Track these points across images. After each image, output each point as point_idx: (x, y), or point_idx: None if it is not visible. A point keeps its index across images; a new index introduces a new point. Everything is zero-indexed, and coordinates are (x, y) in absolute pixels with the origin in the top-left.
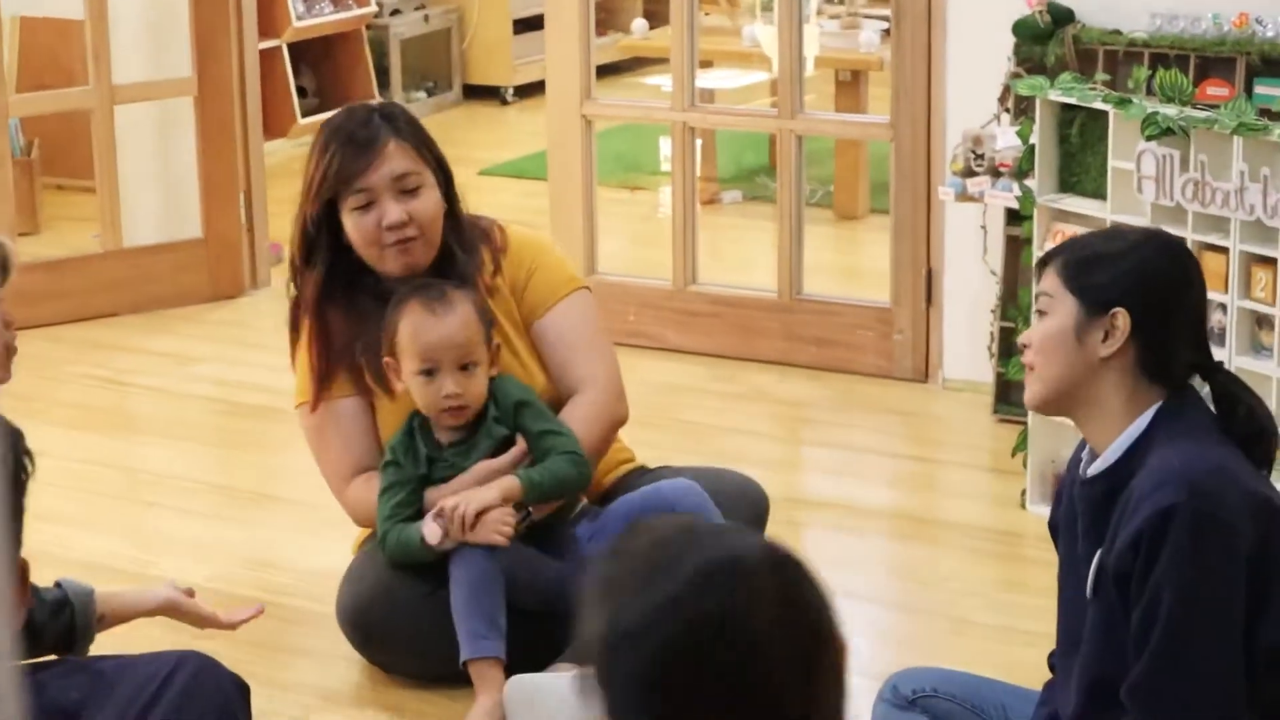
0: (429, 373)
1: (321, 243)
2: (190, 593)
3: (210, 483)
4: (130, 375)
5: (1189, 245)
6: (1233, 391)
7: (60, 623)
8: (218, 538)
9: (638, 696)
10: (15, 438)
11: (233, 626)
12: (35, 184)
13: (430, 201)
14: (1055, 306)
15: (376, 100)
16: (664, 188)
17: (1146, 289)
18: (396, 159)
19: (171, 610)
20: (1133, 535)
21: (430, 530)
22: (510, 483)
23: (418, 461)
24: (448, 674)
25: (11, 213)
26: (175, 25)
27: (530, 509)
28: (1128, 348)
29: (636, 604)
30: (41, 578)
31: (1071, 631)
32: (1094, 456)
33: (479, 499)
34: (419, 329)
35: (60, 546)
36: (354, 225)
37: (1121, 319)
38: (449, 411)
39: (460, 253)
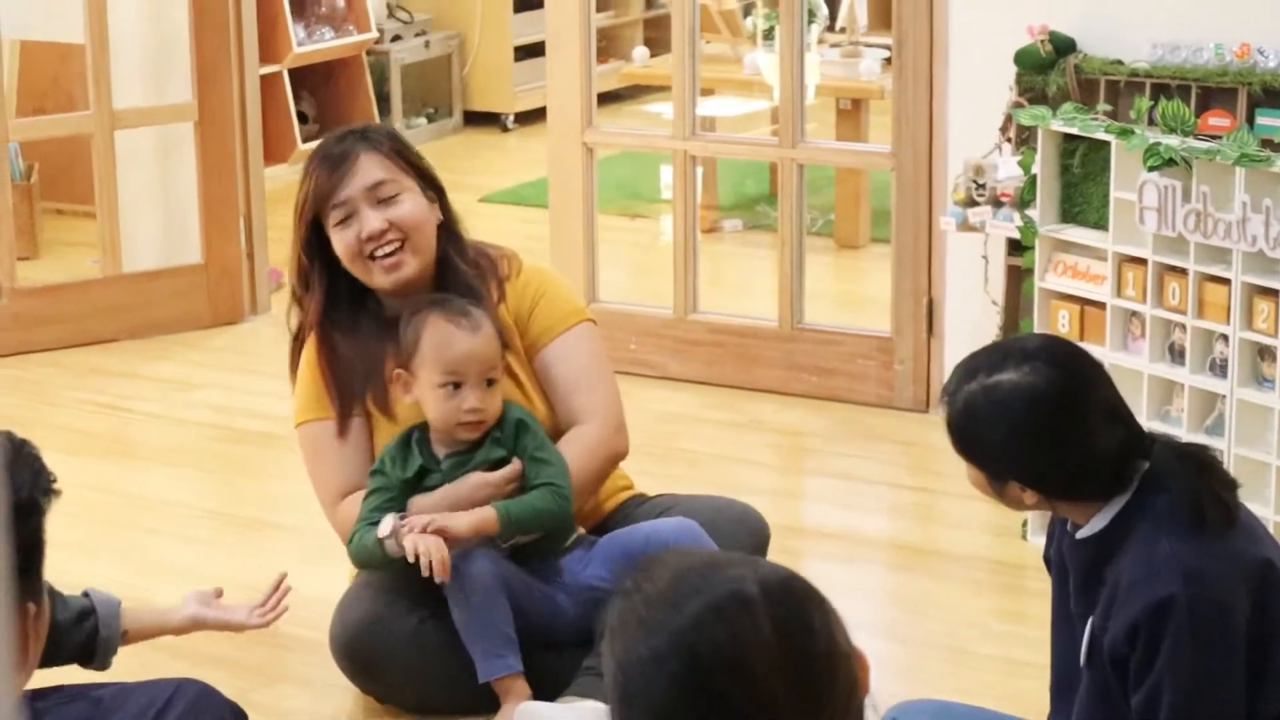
0: (454, 385)
1: (316, 267)
2: (219, 592)
3: (209, 509)
4: (129, 401)
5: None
6: (1172, 468)
7: (82, 632)
8: (216, 564)
9: None
10: (32, 462)
11: (265, 624)
12: (35, 208)
13: (411, 207)
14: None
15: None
16: (665, 215)
17: (1036, 454)
18: (370, 169)
19: (197, 628)
20: (1128, 626)
21: (383, 525)
22: (487, 514)
23: (405, 468)
24: (442, 704)
25: (10, 237)
26: (176, 51)
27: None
28: (1050, 494)
29: (646, 640)
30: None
31: (1065, 669)
32: None
33: (450, 525)
34: (445, 341)
35: (56, 572)
36: (338, 241)
37: (1021, 490)
38: (466, 425)
39: (462, 265)
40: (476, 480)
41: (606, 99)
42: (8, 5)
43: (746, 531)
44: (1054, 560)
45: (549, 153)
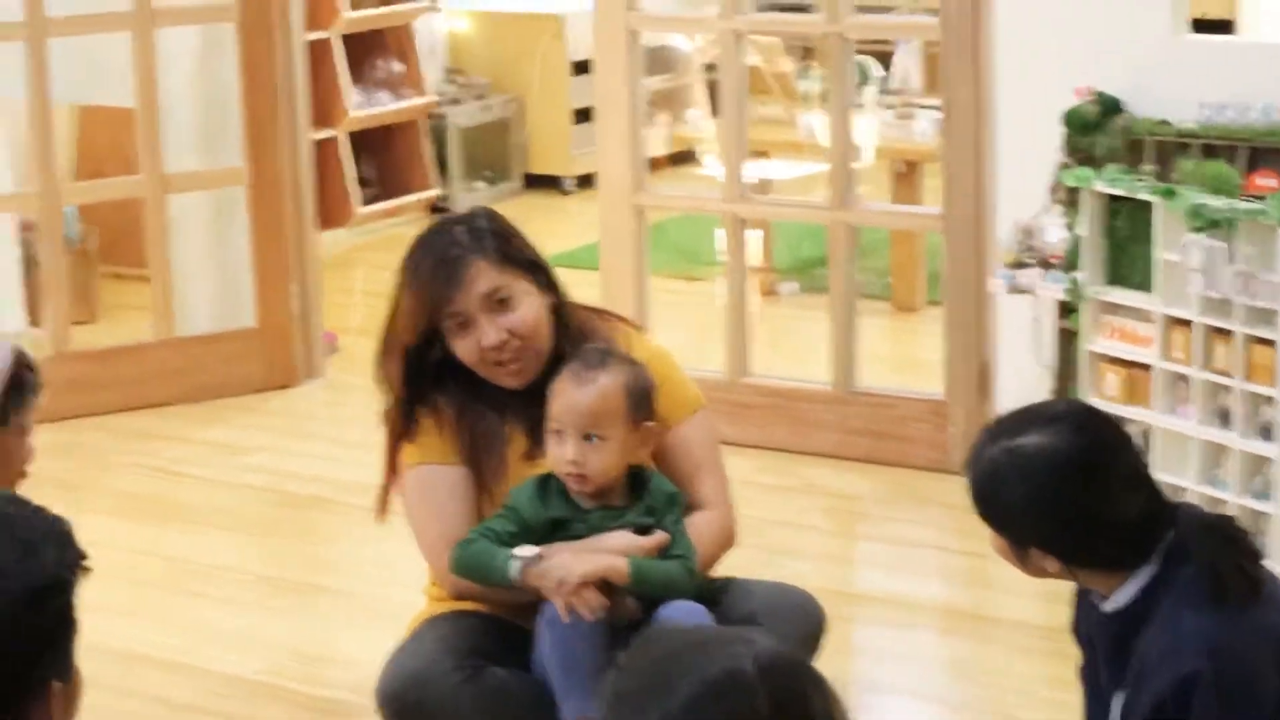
0: (557, 433)
1: (427, 368)
2: None
3: (259, 573)
4: (181, 465)
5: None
6: (1195, 539)
7: None
8: (266, 629)
9: None
10: (60, 539)
11: None
12: (93, 272)
13: (528, 311)
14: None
15: (461, 212)
16: (721, 278)
17: (1058, 520)
18: (483, 277)
19: None
20: (1155, 702)
21: (522, 552)
22: (619, 563)
23: (544, 508)
24: None
25: (63, 301)
26: (228, 115)
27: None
28: (1072, 562)
29: None
30: (83, 668)
31: None
32: None
33: (584, 568)
34: (559, 389)
35: (103, 635)
36: (458, 347)
37: (1044, 557)
38: (569, 477)
39: (569, 348)
40: (623, 539)
41: (673, 160)
42: (65, 70)
43: (801, 619)
44: (1081, 632)
45: (600, 215)
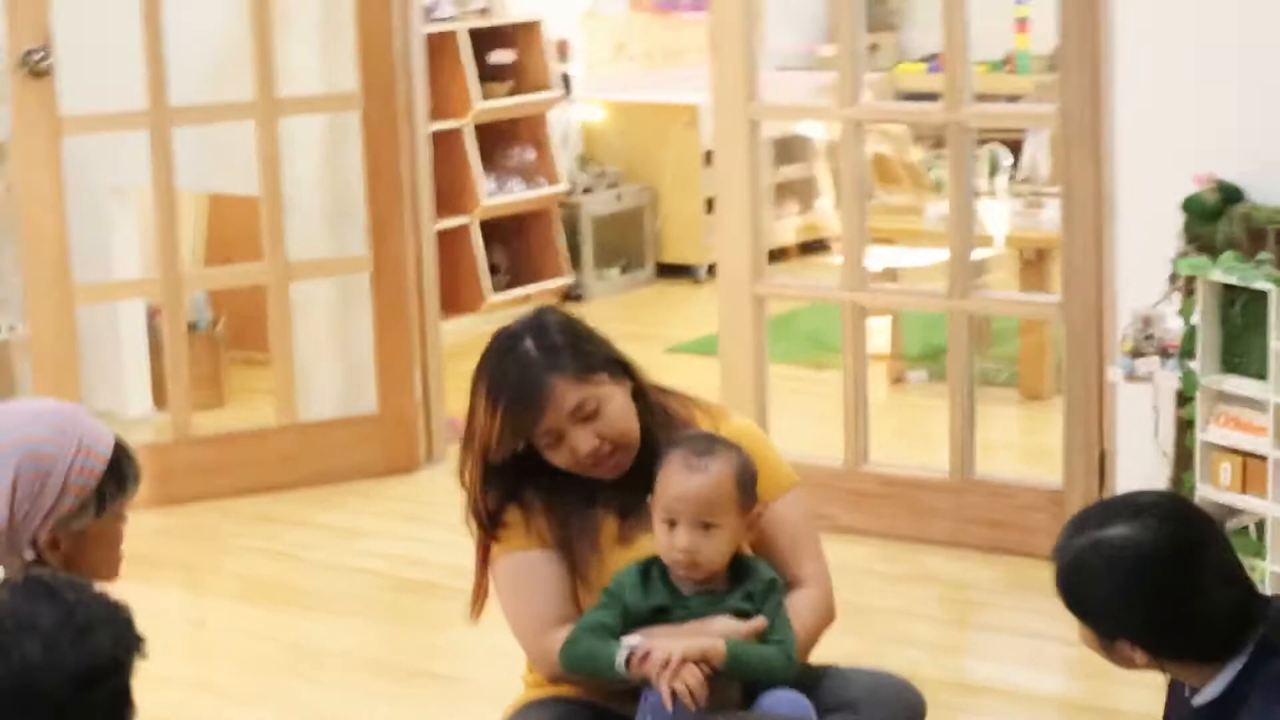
0: (670, 523)
1: (510, 463)
2: None
3: (371, 658)
4: (299, 549)
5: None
6: None
7: None
8: (368, 713)
9: None
10: (118, 624)
11: None
12: (220, 358)
13: (617, 413)
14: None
15: (525, 318)
16: None
17: (1145, 612)
18: (567, 396)
19: None
20: None
21: (631, 638)
22: (718, 645)
23: (647, 596)
24: None
25: (185, 385)
26: (354, 203)
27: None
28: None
29: None
30: None
31: None
32: None
33: (684, 646)
34: (669, 479)
35: (213, 718)
36: (552, 458)
37: (1131, 648)
38: (682, 565)
39: (655, 432)
40: (723, 624)
41: (804, 249)
42: (195, 158)
43: (901, 708)
44: None
45: (719, 304)
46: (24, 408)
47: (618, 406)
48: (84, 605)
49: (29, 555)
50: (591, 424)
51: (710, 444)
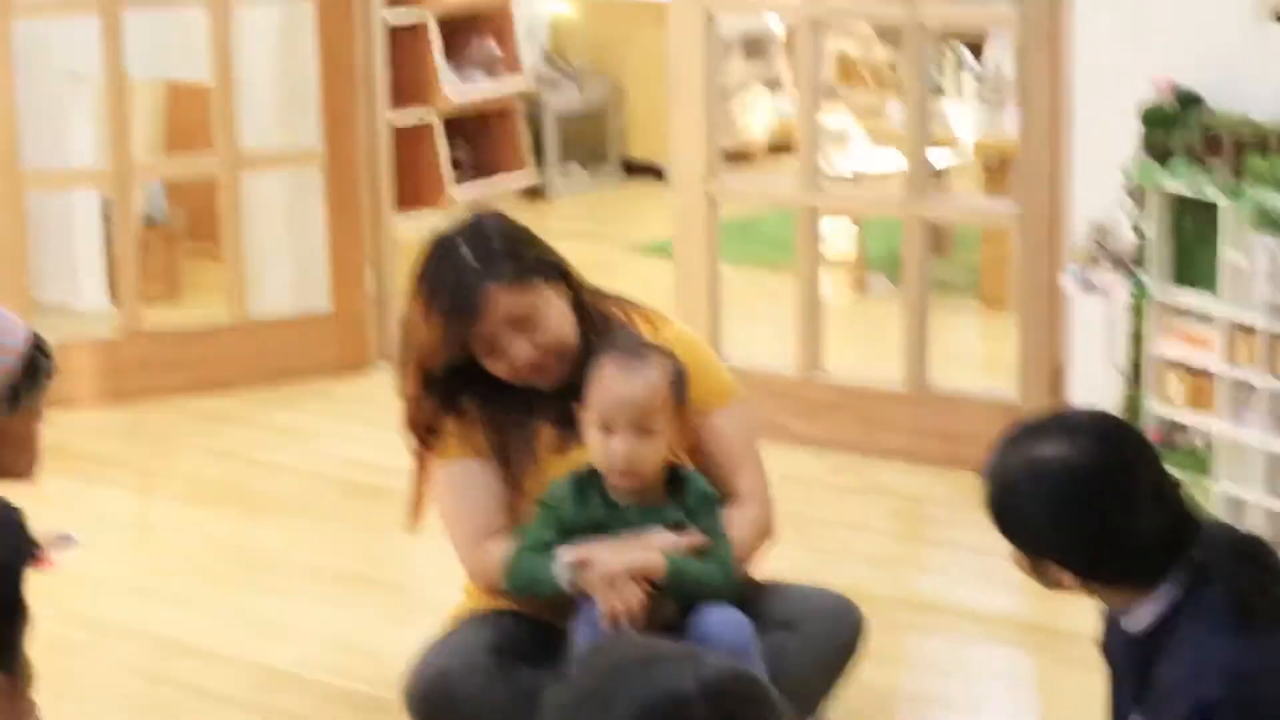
0: (606, 430)
1: (447, 375)
2: None
3: (310, 563)
4: (249, 449)
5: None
6: (1220, 559)
7: None
8: (307, 619)
9: None
10: (11, 528)
11: None
12: (177, 251)
13: (555, 321)
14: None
15: (462, 220)
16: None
17: (1073, 533)
18: (503, 303)
19: None
20: None
21: (566, 558)
22: (655, 559)
23: (583, 509)
24: None
25: (134, 279)
26: (308, 95)
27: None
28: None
29: None
30: (112, 650)
31: None
32: None
33: (625, 561)
34: (603, 384)
35: (139, 619)
36: (490, 367)
37: (1059, 570)
38: (620, 474)
39: (594, 340)
40: (662, 538)
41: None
42: (144, 46)
43: (839, 622)
44: (1108, 650)
45: (673, 204)
46: None
47: (555, 314)
48: None
49: None
50: (529, 333)
51: (640, 347)
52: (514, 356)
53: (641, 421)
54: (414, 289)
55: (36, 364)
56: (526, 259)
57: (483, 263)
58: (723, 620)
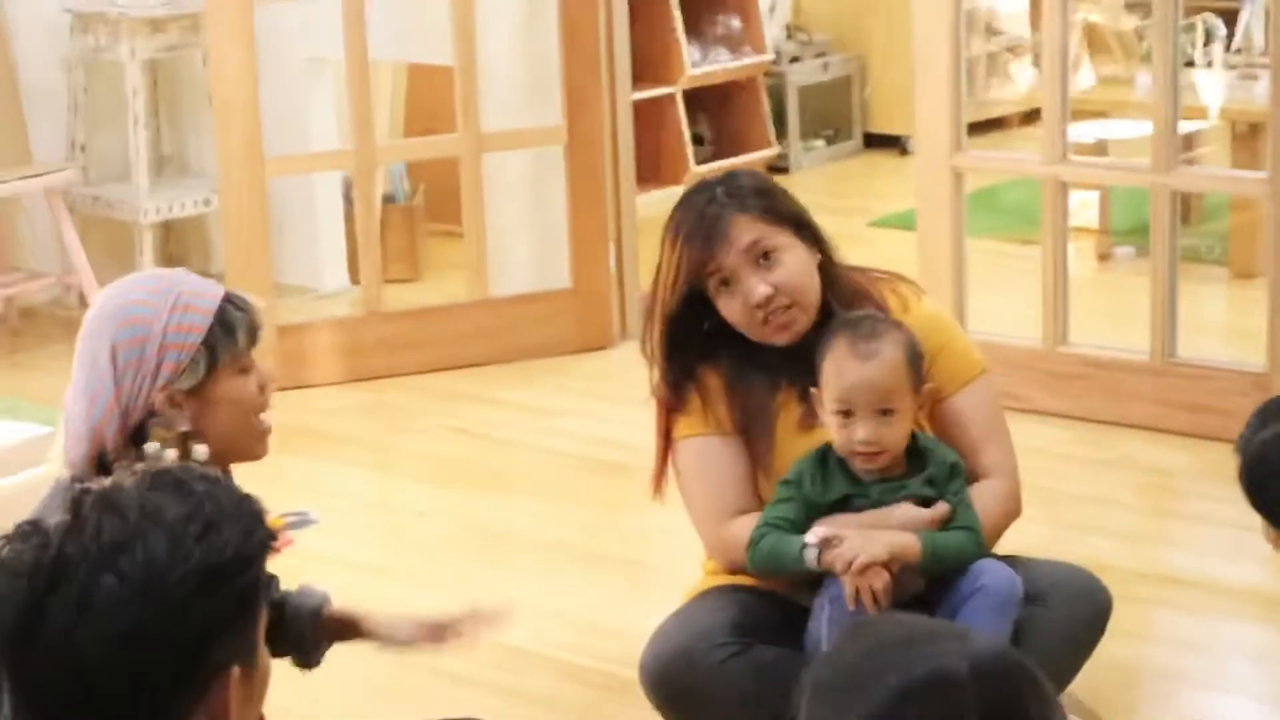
0: (845, 414)
1: (694, 340)
2: (449, 628)
3: (552, 540)
4: (488, 427)
5: None
6: None
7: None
8: (546, 597)
9: None
10: (247, 520)
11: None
12: (418, 231)
13: (794, 263)
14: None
15: (719, 174)
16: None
17: None
18: (745, 231)
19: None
20: None
21: (814, 537)
22: (909, 541)
23: (827, 489)
24: None
25: (377, 260)
26: (549, 74)
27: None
28: None
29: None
30: None
31: None
32: None
33: (881, 548)
34: (841, 368)
35: (375, 598)
36: (724, 307)
37: None
38: (862, 455)
39: (839, 308)
40: (907, 513)
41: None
42: (389, 29)
43: (1087, 600)
44: None
45: (917, 177)
46: (129, 279)
47: (797, 260)
48: (212, 499)
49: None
50: (767, 271)
51: (875, 326)
52: (749, 290)
53: (882, 404)
54: (664, 230)
55: (230, 320)
56: (777, 203)
57: (733, 198)
58: (996, 572)
